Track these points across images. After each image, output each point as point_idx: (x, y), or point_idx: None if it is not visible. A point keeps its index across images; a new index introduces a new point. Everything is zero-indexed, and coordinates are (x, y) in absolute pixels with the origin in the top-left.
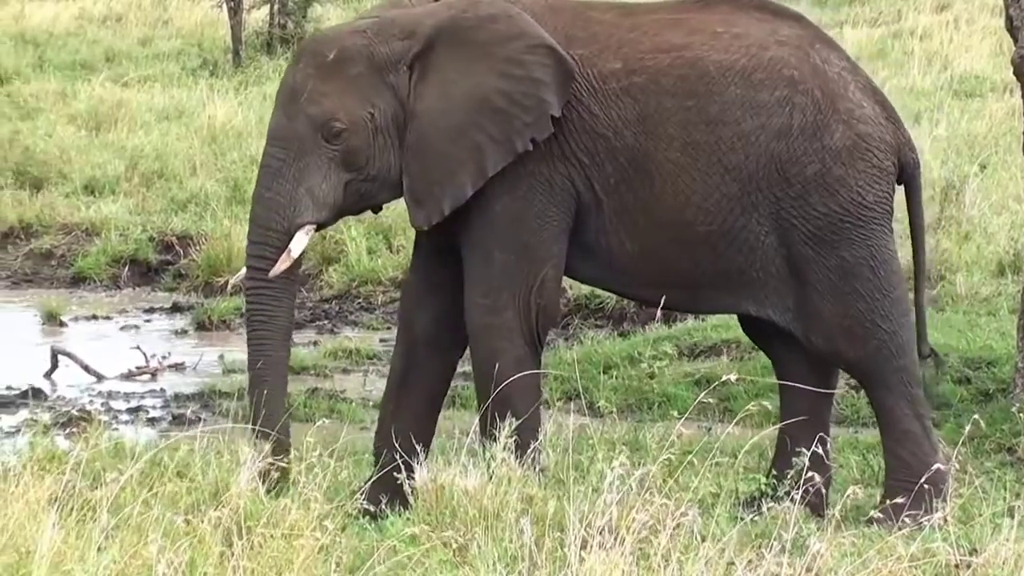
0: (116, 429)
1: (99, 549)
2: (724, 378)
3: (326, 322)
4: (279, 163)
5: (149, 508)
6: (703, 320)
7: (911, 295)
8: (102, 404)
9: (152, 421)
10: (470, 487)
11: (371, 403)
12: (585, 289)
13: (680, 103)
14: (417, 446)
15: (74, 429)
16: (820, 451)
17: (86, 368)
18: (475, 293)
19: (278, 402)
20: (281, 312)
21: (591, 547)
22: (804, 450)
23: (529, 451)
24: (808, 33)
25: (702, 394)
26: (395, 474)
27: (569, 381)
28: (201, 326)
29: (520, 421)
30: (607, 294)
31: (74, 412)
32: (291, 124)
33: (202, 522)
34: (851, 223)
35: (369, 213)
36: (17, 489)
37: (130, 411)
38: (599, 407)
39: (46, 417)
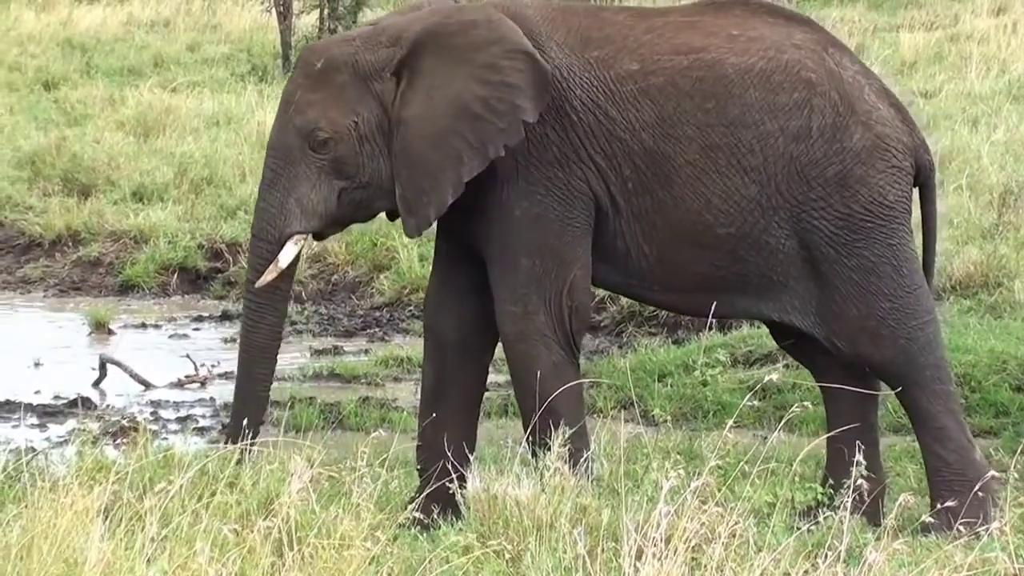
0: (165, 438)
1: (148, 560)
2: (767, 378)
3: (377, 330)
4: (272, 173)
5: (198, 518)
6: (757, 327)
7: None
8: (151, 413)
9: (201, 431)
10: (523, 497)
11: None
12: None
13: (699, 105)
14: (463, 454)
15: (123, 439)
16: (870, 458)
17: (135, 377)
18: (505, 302)
19: (252, 412)
20: (262, 326)
21: (646, 557)
22: (855, 457)
23: (582, 459)
24: (820, 37)
25: (751, 399)
26: (447, 484)
27: (623, 389)
28: None
29: (570, 430)
30: None
31: (123, 421)
32: (281, 134)
33: (252, 532)
34: (872, 223)
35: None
36: (66, 499)
37: (179, 420)
38: (653, 415)
39: (94, 427)
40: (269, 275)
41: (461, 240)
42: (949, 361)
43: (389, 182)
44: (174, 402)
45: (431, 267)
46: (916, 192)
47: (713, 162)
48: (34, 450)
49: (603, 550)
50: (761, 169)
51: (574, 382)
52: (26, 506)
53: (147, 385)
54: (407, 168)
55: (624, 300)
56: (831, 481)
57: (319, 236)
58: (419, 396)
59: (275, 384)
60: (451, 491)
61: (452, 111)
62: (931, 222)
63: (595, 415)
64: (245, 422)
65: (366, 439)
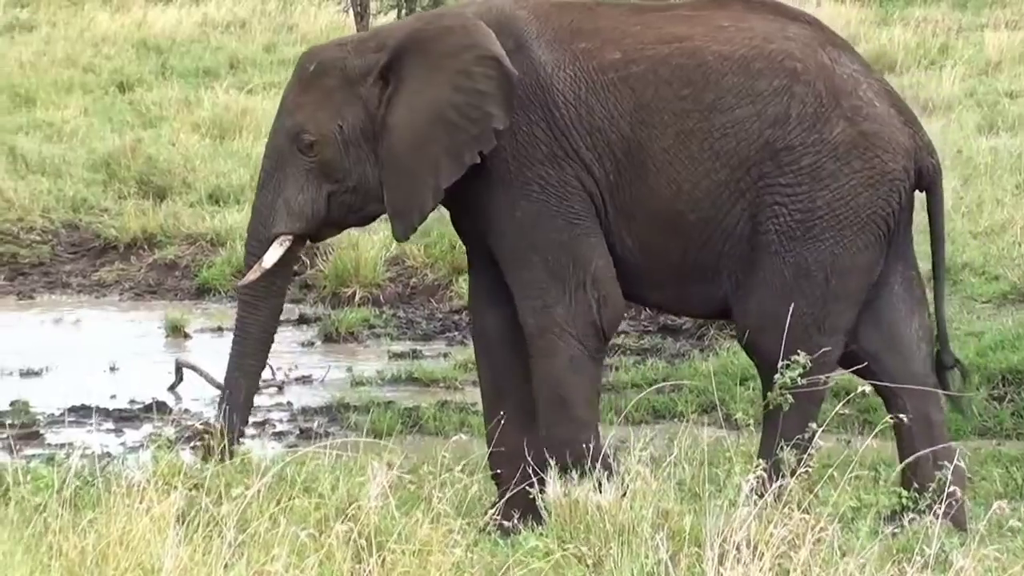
0: (242, 443)
1: (225, 566)
2: (860, 389)
3: (456, 333)
4: (265, 174)
5: (276, 524)
6: None
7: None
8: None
9: (279, 435)
10: (604, 502)
11: None
12: None
13: (676, 92)
14: (533, 453)
15: (199, 443)
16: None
17: (211, 381)
18: (524, 298)
19: (239, 404)
20: (254, 322)
21: (729, 563)
22: (926, 457)
23: (591, 451)
24: (820, 35)
25: (839, 405)
26: (527, 488)
27: (705, 393)
28: (328, 338)
29: (579, 424)
30: None
31: (199, 426)
32: (273, 136)
33: (331, 538)
34: (827, 222)
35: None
36: (141, 505)
37: (256, 425)
38: (735, 419)
39: (171, 431)
40: (252, 275)
41: (478, 243)
42: (825, 392)
43: (377, 187)
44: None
45: (468, 268)
46: (924, 195)
47: (686, 147)
48: (110, 455)
49: (686, 555)
50: (733, 152)
51: (591, 378)
52: (102, 512)
53: (223, 389)
54: (392, 174)
55: None
56: (915, 486)
57: (314, 237)
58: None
59: (354, 388)
60: (531, 495)
61: (429, 117)
62: (939, 227)
63: (676, 419)
64: (231, 413)
65: (445, 443)
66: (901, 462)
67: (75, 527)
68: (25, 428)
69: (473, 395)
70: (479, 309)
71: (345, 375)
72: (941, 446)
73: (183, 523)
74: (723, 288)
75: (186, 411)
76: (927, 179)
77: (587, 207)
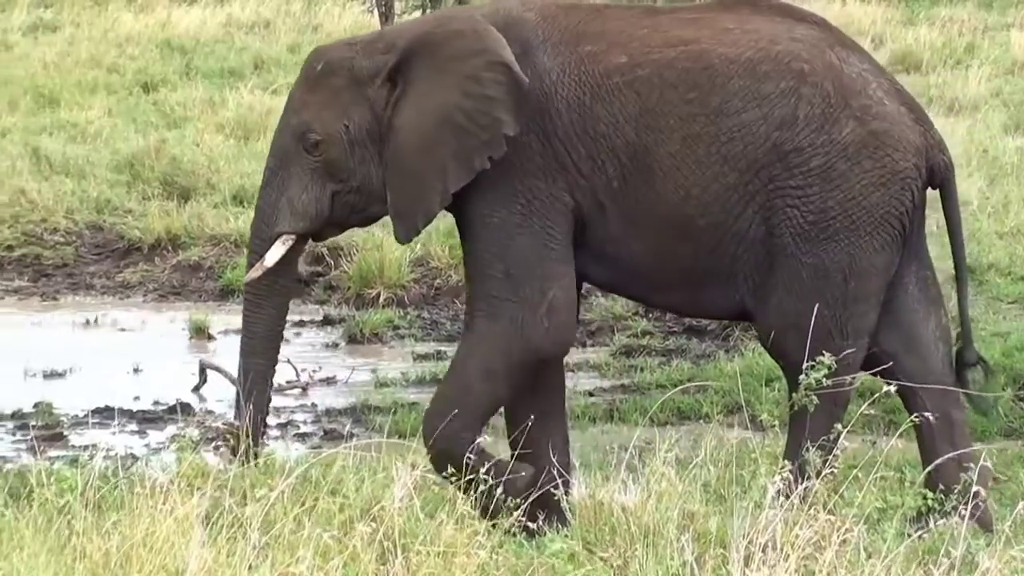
0: (266, 444)
1: (250, 567)
2: (885, 389)
3: None
4: (269, 172)
5: (300, 525)
6: None
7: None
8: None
9: (303, 436)
10: (629, 503)
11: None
12: None
13: (682, 96)
14: (557, 455)
15: (223, 445)
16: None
17: (235, 382)
18: (475, 298)
19: (256, 403)
20: (260, 320)
21: (754, 564)
22: (951, 458)
23: (464, 454)
24: (828, 36)
25: (864, 406)
26: (552, 490)
27: (730, 394)
28: (352, 339)
29: (460, 430)
30: None
31: (223, 427)
32: (279, 134)
33: (355, 539)
34: (841, 223)
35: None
36: (165, 506)
37: (280, 426)
38: (761, 420)
39: (194, 432)
40: (254, 273)
41: None
42: (854, 392)
43: (381, 188)
44: (275, 408)
45: None
46: (937, 193)
47: (693, 152)
48: (134, 456)
49: (711, 557)
50: (741, 156)
51: (496, 396)
52: (126, 513)
53: (237, 391)
54: (397, 176)
55: None
56: (940, 486)
57: (317, 237)
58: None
59: (378, 389)
60: (556, 497)
61: (437, 121)
62: (956, 224)
63: (702, 420)
64: (247, 414)
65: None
66: (923, 462)
67: (99, 529)
68: (49, 429)
69: None
70: None
71: (369, 376)
72: (964, 447)
73: (207, 525)
74: (739, 292)
75: (210, 412)
76: (939, 176)
77: (566, 228)
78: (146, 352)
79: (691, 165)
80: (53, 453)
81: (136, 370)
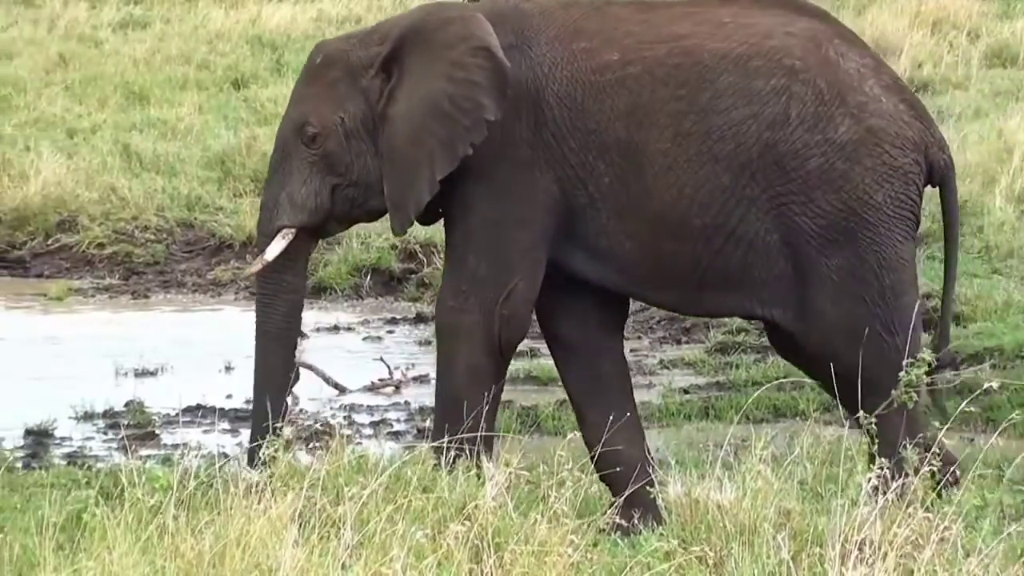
0: (359, 443)
1: (343, 566)
2: (986, 386)
3: None
4: (273, 167)
5: (393, 524)
6: (964, 327)
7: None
8: (344, 417)
9: (395, 435)
10: (725, 501)
11: None
12: None
13: (672, 92)
14: (640, 452)
15: (316, 443)
16: None
17: (328, 381)
18: (446, 292)
19: (271, 405)
20: (272, 316)
21: (851, 563)
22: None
23: (464, 458)
24: (828, 29)
25: (964, 403)
26: (646, 488)
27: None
28: None
29: (462, 430)
30: None
31: (316, 426)
32: (281, 128)
33: (448, 538)
34: (856, 222)
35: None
36: (259, 506)
37: (373, 424)
38: (857, 417)
39: (288, 431)
40: (255, 267)
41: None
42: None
43: (379, 181)
44: (368, 406)
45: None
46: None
47: (684, 150)
48: (226, 455)
49: (807, 555)
50: (733, 157)
51: (488, 388)
52: (219, 513)
53: (340, 389)
54: (391, 165)
55: None
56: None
57: (321, 232)
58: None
59: None
60: (651, 495)
61: (427, 109)
62: (953, 222)
63: (797, 417)
64: (265, 413)
65: (564, 442)
66: None
67: (192, 528)
68: (140, 428)
69: None
70: (553, 311)
71: None
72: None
73: (300, 524)
74: (758, 300)
75: (302, 411)
76: (939, 174)
77: (549, 218)
78: (238, 350)
79: (683, 164)
80: (145, 452)
81: (228, 368)
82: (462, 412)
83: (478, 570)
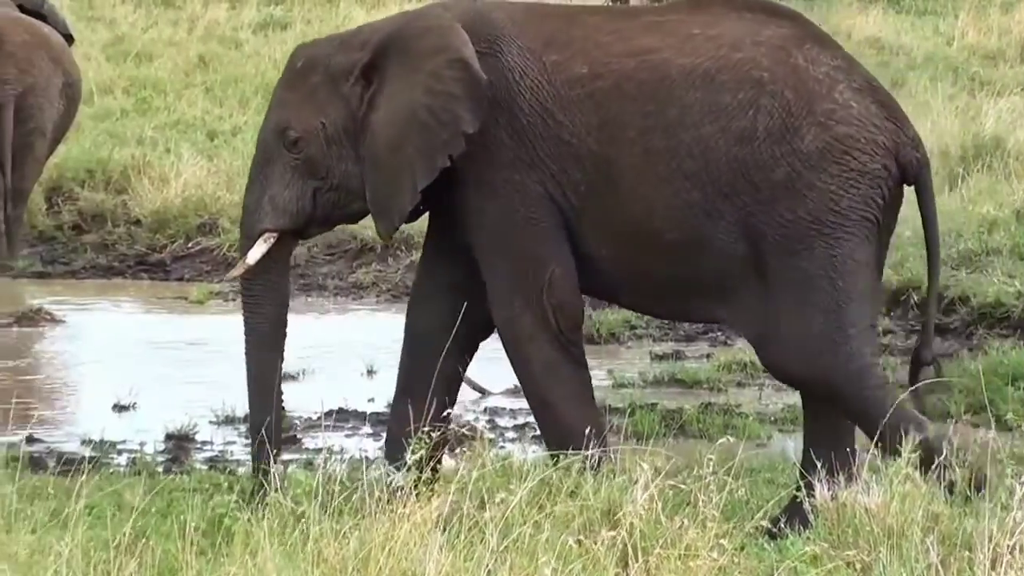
0: (503, 447)
1: (488, 572)
2: None
3: (719, 334)
4: (255, 170)
5: (540, 529)
6: None
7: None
8: (488, 421)
9: (538, 438)
10: (872, 505)
11: (768, 418)
12: (989, 297)
13: (640, 108)
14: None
15: (460, 447)
16: None
17: (471, 383)
18: (493, 303)
19: (262, 403)
20: (261, 321)
21: (1001, 567)
22: None
23: (592, 456)
24: (798, 32)
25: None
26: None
27: (974, 393)
28: (589, 340)
29: (573, 425)
30: (1012, 301)
31: (460, 429)
32: (262, 132)
33: (595, 543)
34: (817, 231)
35: None
36: (403, 510)
37: (516, 428)
38: (1006, 420)
39: (432, 435)
40: (236, 271)
41: (452, 241)
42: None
43: (360, 185)
44: (511, 409)
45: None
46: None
47: (653, 167)
48: (369, 460)
49: (956, 559)
50: (702, 173)
51: (569, 378)
52: (363, 517)
53: (483, 392)
54: (373, 172)
55: (974, 301)
56: None
57: (303, 234)
58: (763, 400)
59: (616, 390)
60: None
61: (405, 119)
62: (931, 219)
63: (945, 419)
64: (259, 412)
65: (710, 446)
66: None
67: (336, 533)
68: (283, 433)
69: (737, 396)
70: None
71: (607, 377)
72: None
73: (445, 529)
74: (732, 307)
75: (446, 415)
76: (912, 173)
77: (550, 212)
78: (380, 353)
79: (653, 180)
80: (288, 457)
81: (370, 372)
82: (557, 411)
83: (625, 574)
